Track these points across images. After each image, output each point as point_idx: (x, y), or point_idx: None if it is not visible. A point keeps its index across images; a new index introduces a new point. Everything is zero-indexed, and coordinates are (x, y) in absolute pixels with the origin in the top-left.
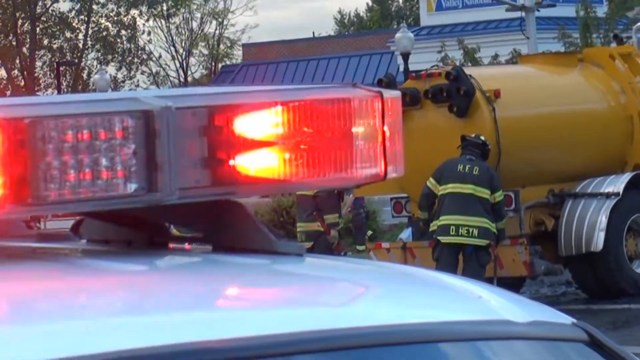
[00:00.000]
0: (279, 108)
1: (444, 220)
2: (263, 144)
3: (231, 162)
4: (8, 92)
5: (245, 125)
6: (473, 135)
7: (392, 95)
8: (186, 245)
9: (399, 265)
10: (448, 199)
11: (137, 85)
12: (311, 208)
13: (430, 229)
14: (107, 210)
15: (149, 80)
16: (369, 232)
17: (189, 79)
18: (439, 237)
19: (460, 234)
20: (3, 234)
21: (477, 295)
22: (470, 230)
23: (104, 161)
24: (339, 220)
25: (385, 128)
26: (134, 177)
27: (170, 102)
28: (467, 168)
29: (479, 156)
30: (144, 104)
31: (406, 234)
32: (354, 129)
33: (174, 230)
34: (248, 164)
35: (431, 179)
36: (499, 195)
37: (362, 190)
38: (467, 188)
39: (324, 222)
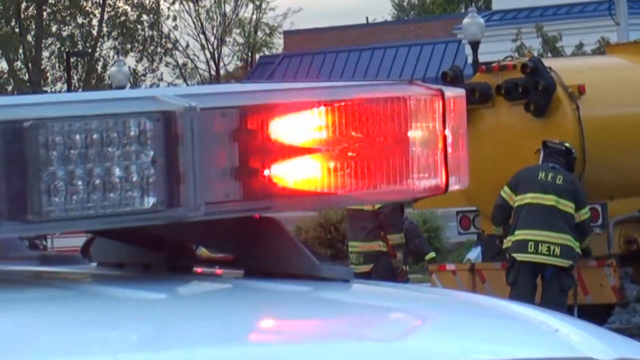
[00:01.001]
0: (323, 109)
1: (521, 235)
2: (304, 151)
3: (266, 172)
4: (9, 88)
5: (284, 129)
6: (557, 142)
7: (456, 93)
8: (214, 270)
9: (463, 292)
10: (526, 211)
11: (161, 80)
12: (372, 225)
13: (504, 246)
14: (121, 229)
15: (174, 74)
16: (432, 254)
17: (221, 72)
18: (514, 255)
19: (539, 251)
20: (0, 255)
21: (554, 328)
22: (552, 248)
23: (117, 171)
24: (404, 241)
25: (447, 132)
26: (153, 189)
27: (194, 101)
28: (549, 176)
29: (563, 165)
30: (164, 104)
31: (474, 254)
32: (410, 134)
33: (200, 252)
34: (286, 174)
35: (506, 188)
36: (584, 213)
37: (422, 204)
38: (549, 199)
39: (389, 242)
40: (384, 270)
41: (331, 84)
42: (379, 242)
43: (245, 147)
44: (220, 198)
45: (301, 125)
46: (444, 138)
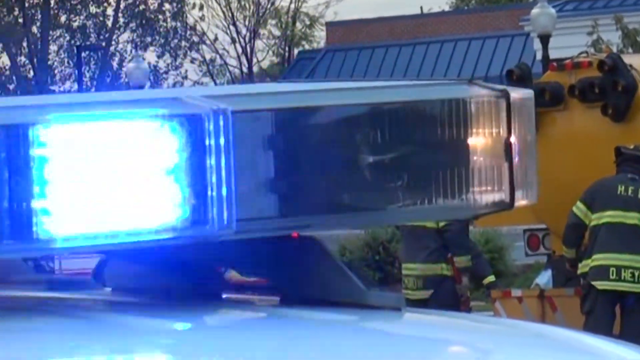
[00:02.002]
0: (370, 112)
1: (600, 259)
2: (348, 161)
3: (306, 184)
4: (12, 87)
5: (325, 134)
6: (632, 147)
7: (523, 94)
8: (245, 296)
9: (530, 323)
10: (605, 232)
11: (185, 78)
12: (435, 245)
13: (580, 271)
14: (139, 249)
15: (200, 71)
16: (491, 278)
17: (255, 69)
18: (594, 283)
19: (623, 278)
20: (2, 279)
21: None
22: (636, 274)
23: (136, 182)
24: (471, 263)
25: (513, 139)
26: (176, 204)
27: (224, 103)
28: (629, 190)
29: None
30: (189, 107)
31: (544, 279)
32: (470, 141)
33: (229, 275)
34: (328, 186)
35: (580, 205)
36: None
37: (484, 221)
38: (632, 217)
39: (455, 265)
40: (447, 297)
41: (380, 83)
42: (442, 265)
43: (282, 155)
44: (253, 214)
45: (345, 132)
46: (510, 146)
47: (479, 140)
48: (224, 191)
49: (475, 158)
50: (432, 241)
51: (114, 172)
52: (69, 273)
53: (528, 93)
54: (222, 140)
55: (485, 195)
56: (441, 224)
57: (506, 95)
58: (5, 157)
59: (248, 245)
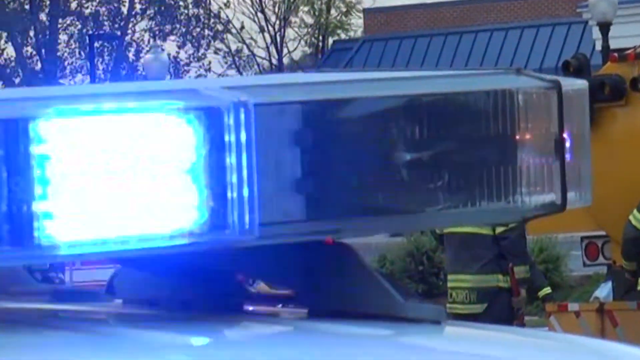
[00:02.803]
0: (409, 104)
1: None
2: (384, 159)
3: (337, 184)
4: (17, 81)
5: (358, 130)
6: None
7: (576, 86)
8: (270, 308)
9: (588, 339)
10: None
11: (208, 70)
12: (491, 254)
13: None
14: (152, 256)
15: (225, 63)
16: (546, 289)
17: (285, 60)
18: None
19: None
20: (1, 290)
21: None
22: None
23: (148, 182)
24: (529, 274)
25: (566, 135)
26: (193, 206)
27: (246, 95)
28: None
29: None
30: (207, 99)
31: (604, 291)
32: (518, 137)
33: (257, 287)
34: (362, 187)
35: (637, 214)
36: None
37: (538, 228)
38: None
39: (513, 276)
40: (502, 311)
41: (418, 73)
42: (498, 276)
43: (310, 153)
44: (278, 218)
45: (380, 126)
46: (561, 142)
47: (527, 136)
48: (245, 192)
49: (523, 155)
50: (486, 250)
51: (124, 172)
52: (80, 285)
53: (581, 84)
54: (243, 136)
55: (535, 197)
56: (498, 230)
57: (557, 87)
58: (3, 155)
59: (272, 253)
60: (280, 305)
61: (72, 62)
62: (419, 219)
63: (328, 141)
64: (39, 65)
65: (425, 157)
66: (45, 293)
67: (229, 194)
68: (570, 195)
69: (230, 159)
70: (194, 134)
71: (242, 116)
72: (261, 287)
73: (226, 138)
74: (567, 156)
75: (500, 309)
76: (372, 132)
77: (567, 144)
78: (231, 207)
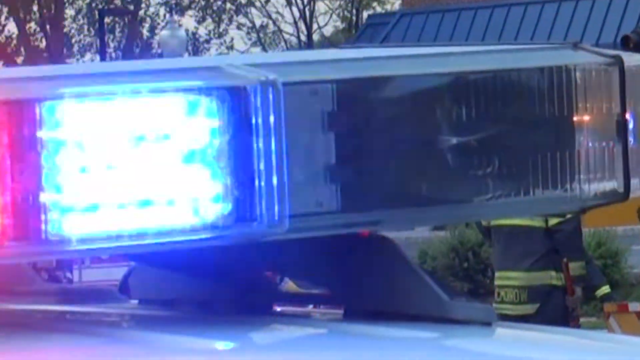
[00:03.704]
0: (454, 83)
1: None
2: (426, 143)
3: (375, 171)
4: (20, 60)
5: (398, 111)
6: None
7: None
8: (303, 309)
9: None
10: None
11: (230, 48)
12: (544, 249)
13: None
14: (171, 252)
15: (249, 39)
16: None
17: (315, 36)
18: None
19: None
20: (5, 290)
21: None
22: None
23: (167, 170)
24: (586, 271)
25: (628, 115)
26: (216, 197)
27: (274, 73)
28: None
29: None
30: (231, 77)
31: None
32: (576, 118)
33: (285, 286)
34: (402, 174)
35: None
36: None
37: (596, 219)
38: None
39: (569, 273)
40: (556, 311)
41: (465, 48)
42: (551, 273)
43: (344, 137)
44: (309, 209)
45: (422, 108)
46: (624, 124)
47: (586, 117)
48: (274, 180)
49: (581, 139)
50: (539, 244)
51: (140, 158)
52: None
53: None
54: (271, 119)
55: (594, 184)
56: (551, 222)
57: (619, 62)
58: (8, 141)
59: (304, 247)
60: (312, 306)
61: (79, 40)
62: (466, 209)
63: (365, 124)
64: (44, 43)
65: (473, 141)
66: (52, 293)
67: (256, 183)
68: (634, 182)
69: (258, 144)
70: (218, 116)
71: (270, 96)
72: (289, 285)
73: (253, 121)
74: (630, 139)
75: (553, 310)
76: (413, 114)
77: (630, 126)
78: (258, 197)
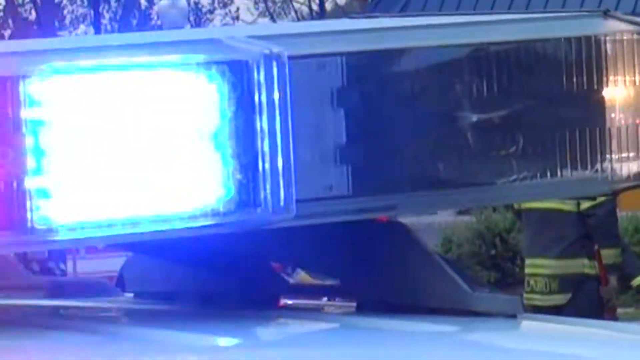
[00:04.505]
0: (474, 55)
1: None
2: (444, 120)
3: (388, 152)
4: (7, 33)
5: (413, 86)
6: None
7: None
8: (313, 302)
9: None
10: None
11: (236, 18)
12: (575, 235)
13: None
14: (169, 241)
15: (256, 9)
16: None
17: (328, 6)
18: None
19: None
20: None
21: None
22: None
23: (162, 152)
24: (621, 259)
25: None
26: (217, 180)
27: (278, 45)
28: None
29: None
30: (232, 51)
31: None
32: (605, 92)
33: (297, 277)
34: (418, 154)
35: None
36: None
37: (632, 202)
38: None
39: (601, 261)
40: (588, 302)
41: (485, 17)
42: (583, 260)
43: (355, 115)
44: (318, 193)
45: (442, 82)
46: None
47: (617, 91)
48: (279, 163)
49: (612, 115)
50: (570, 229)
51: (133, 140)
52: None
53: None
54: (276, 95)
55: (626, 164)
56: (584, 205)
57: None
58: None
59: (312, 235)
60: (324, 298)
61: (72, 10)
62: (488, 192)
63: (377, 100)
64: (33, 14)
65: (495, 118)
66: (40, 286)
67: (259, 165)
68: None
69: (261, 123)
70: (217, 93)
71: (275, 71)
72: (302, 276)
73: (256, 97)
74: None
75: (586, 300)
76: (430, 89)
77: None
78: (262, 180)
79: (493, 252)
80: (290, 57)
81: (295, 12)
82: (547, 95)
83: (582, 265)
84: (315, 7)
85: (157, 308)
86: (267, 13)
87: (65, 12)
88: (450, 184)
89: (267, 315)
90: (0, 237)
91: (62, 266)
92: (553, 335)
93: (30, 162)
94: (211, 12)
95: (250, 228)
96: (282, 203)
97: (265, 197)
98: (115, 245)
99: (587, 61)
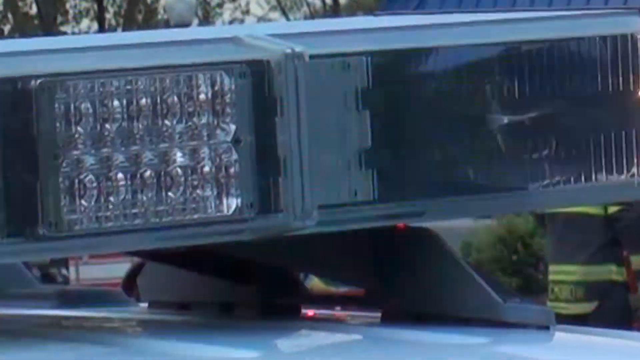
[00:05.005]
0: (504, 54)
1: None
2: (472, 122)
3: (415, 156)
4: (7, 28)
5: (440, 88)
6: None
7: None
8: (334, 312)
9: None
10: None
11: (246, 12)
12: (602, 240)
13: None
14: (186, 249)
15: (267, 3)
16: None
17: (342, 0)
18: None
19: None
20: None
21: None
22: None
23: (178, 156)
24: None
25: None
26: (235, 185)
27: (299, 44)
28: None
29: None
30: (251, 50)
31: None
32: None
33: (311, 284)
34: (446, 158)
35: None
36: None
37: None
38: None
39: (630, 268)
40: (616, 311)
41: (516, 15)
42: (611, 267)
43: (381, 117)
44: (342, 198)
45: (470, 82)
46: None
47: None
48: (301, 167)
49: None
50: (597, 234)
51: (148, 142)
52: (89, 284)
53: None
54: (297, 96)
55: None
56: (611, 209)
57: None
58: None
59: (335, 242)
60: (346, 308)
61: (75, 5)
62: (519, 198)
63: (404, 102)
64: (34, 8)
65: (527, 120)
66: (53, 296)
67: (280, 170)
68: None
69: (282, 126)
70: (235, 95)
71: (296, 71)
72: (314, 283)
73: (276, 99)
74: None
75: (614, 309)
76: (458, 91)
77: None
78: (284, 185)
79: (515, 257)
80: (312, 56)
81: (308, 5)
82: (581, 96)
83: (610, 272)
84: (328, 0)
85: (173, 318)
86: (278, 8)
87: (67, 6)
88: (480, 190)
89: (289, 326)
90: (9, 245)
91: (64, 272)
92: (588, 348)
93: (41, 165)
94: (220, 5)
95: (271, 235)
96: (303, 209)
97: (286, 203)
98: (130, 252)
99: (623, 60)
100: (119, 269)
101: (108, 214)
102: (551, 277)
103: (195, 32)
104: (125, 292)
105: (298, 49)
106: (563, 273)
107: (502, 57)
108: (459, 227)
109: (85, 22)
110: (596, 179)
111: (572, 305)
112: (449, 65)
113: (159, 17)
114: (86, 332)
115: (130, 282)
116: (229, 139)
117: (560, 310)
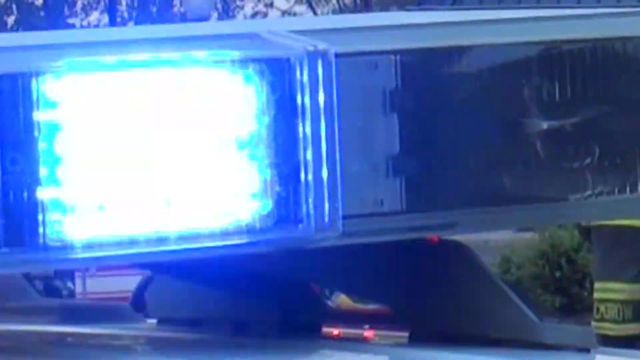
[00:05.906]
0: (545, 54)
1: None
2: (511, 127)
3: (446, 164)
4: (10, 20)
5: (474, 89)
6: None
7: None
8: (360, 331)
9: None
10: None
11: (270, 6)
12: None
13: None
14: (197, 261)
15: None
16: None
17: None
18: None
19: None
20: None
21: None
22: None
23: (191, 161)
24: None
25: None
26: (253, 193)
27: (324, 41)
28: None
29: None
30: (272, 47)
31: None
32: None
33: (337, 301)
34: (480, 166)
35: None
36: None
37: None
38: None
39: None
40: None
41: (557, 12)
42: None
43: (410, 120)
44: (368, 208)
45: (504, 85)
46: None
47: None
48: (323, 174)
49: None
50: None
51: (160, 146)
52: (97, 297)
53: None
54: (321, 97)
55: None
56: None
57: None
58: None
59: (359, 255)
60: (371, 327)
61: None
62: (559, 209)
63: (435, 105)
64: None
65: (568, 125)
66: (55, 311)
67: (302, 176)
68: None
69: (304, 129)
70: (255, 95)
71: (320, 70)
72: (342, 299)
73: (298, 100)
74: None
75: None
76: (495, 93)
77: None
78: (305, 193)
79: (558, 274)
80: (337, 55)
81: (337, 0)
82: (627, 100)
83: None
84: None
85: (183, 336)
86: (305, 1)
87: None
88: (517, 200)
89: (308, 346)
90: (10, 255)
91: (69, 285)
92: None
93: (43, 171)
94: None
95: (290, 247)
96: (326, 219)
97: (307, 213)
98: (138, 264)
99: None
100: (129, 282)
101: (112, 222)
102: (596, 295)
103: (212, 27)
104: (134, 307)
105: (322, 46)
106: (609, 291)
107: (541, 57)
108: (496, 240)
109: (95, 15)
110: None
111: (619, 326)
112: (483, 66)
113: (175, 9)
114: (94, 350)
115: (139, 297)
116: (247, 141)
117: (606, 332)
